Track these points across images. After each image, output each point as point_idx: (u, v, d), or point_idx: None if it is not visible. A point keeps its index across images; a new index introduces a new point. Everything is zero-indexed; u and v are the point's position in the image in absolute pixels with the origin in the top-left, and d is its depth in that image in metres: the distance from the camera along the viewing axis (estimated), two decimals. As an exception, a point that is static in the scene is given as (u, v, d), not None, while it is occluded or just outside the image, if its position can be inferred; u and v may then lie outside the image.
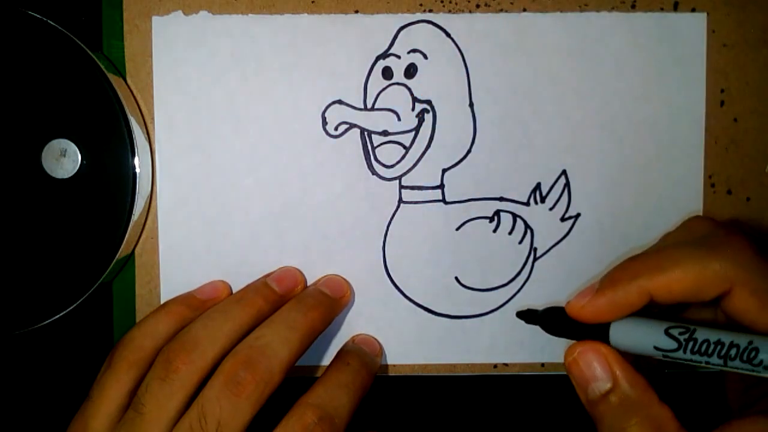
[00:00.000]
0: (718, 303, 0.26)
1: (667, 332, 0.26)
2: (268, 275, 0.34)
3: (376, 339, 0.35)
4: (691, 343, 0.26)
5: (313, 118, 0.34)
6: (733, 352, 0.25)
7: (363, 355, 0.33)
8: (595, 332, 0.28)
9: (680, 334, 0.26)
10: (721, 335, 0.25)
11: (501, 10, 0.34)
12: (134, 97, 0.34)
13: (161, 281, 0.34)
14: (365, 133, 0.34)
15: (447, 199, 0.34)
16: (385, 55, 0.34)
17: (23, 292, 0.33)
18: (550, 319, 0.29)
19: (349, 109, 0.34)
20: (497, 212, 0.35)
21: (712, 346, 0.25)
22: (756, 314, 0.25)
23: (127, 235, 0.33)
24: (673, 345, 0.26)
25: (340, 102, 0.34)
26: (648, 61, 0.34)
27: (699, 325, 0.26)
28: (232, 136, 0.34)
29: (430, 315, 0.35)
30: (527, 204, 0.35)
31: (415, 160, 0.34)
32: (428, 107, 0.34)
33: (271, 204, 0.34)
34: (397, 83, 0.34)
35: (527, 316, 0.30)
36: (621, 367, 0.27)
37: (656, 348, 0.26)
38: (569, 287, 0.35)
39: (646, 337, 0.26)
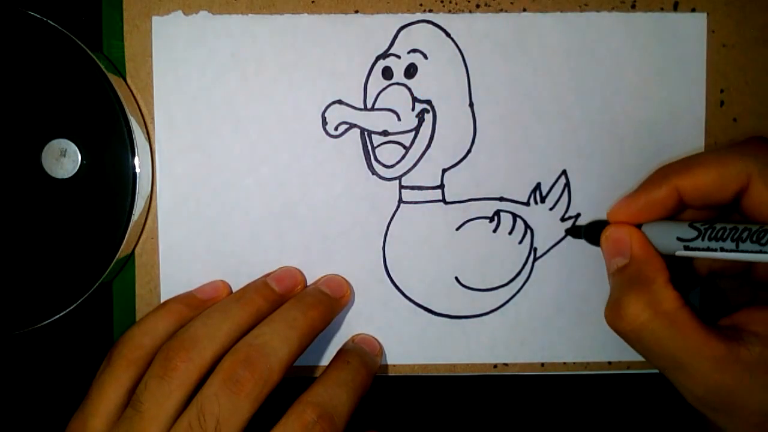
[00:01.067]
0: (740, 206, 0.29)
1: (691, 225, 0.29)
2: (268, 275, 0.34)
3: (375, 339, 0.35)
4: (709, 231, 0.28)
5: (313, 118, 0.34)
6: (744, 234, 0.27)
7: (363, 354, 0.33)
8: None
9: (701, 224, 0.29)
10: (737, 224, 0.27)
11: (501, 10, 0.34)
12: (134, 97, 0.34)
13: (161, 281, 0.34)
14: (365, 133, 0.34)
15: (447, 199, 0.34)
16: (385, 55, 0.34)
17: (23, 292, 0.33)
18: (594, 231, 0.32)
19: (349, 109, 0.34)
20: (497, 212, 0.35)
21: (727, 231, 0.27)
22: None
23: (127, 235, 0.33)
24: (694, 234, 0.28)
25: (340, 102, 0.34)
26: (648, 61, 0.34)
27: (725, 221, 0.28)
28: (232, 136, 0.34)
29: (430, 315, 0.35)
30: (527, 204, 0.35)
31: (415, 160, 0.34)
32: (428, 107, 0.34)
33: (271, 204, 0.34)
34: (397, 83, 0.34)
35: (573, 231, 0.34)
36: (640, 246, 0.30)
37: (679, 239, 0.29)
38: (569, 287, 0.35)
39: (671, 230, 0.29)
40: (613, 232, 0.31)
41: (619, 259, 0.30)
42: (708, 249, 0.28)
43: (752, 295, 0.32)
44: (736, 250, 0.27)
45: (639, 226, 0.30)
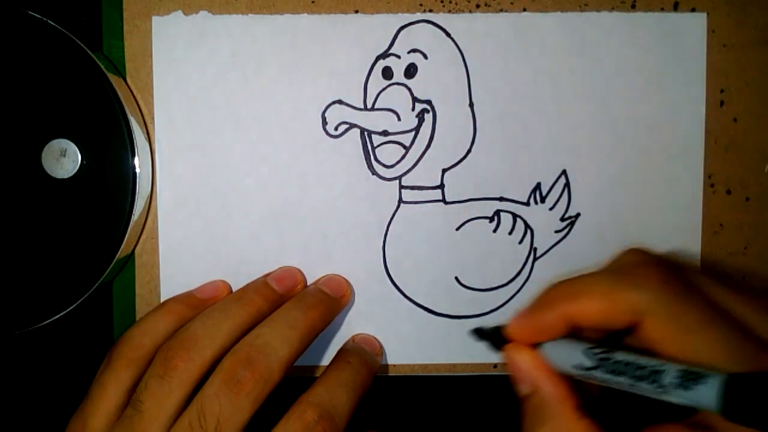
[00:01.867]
0: (636, 334, 0.27)
1: (587, 351, 0.27)
2: (268, 275, 0.34)
3: (376, 338, 0.35)
4: (607, 363, 0.26)
5: (313, 118, 0.34)
6: (641, 373, 0.25)
7: (363, 354, 0.33)
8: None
9: (599, 354, 0.27)
10: (635, 358, 0.26)
11: (501, 10, 0.34)
12: (134, 97, 0.34)
13: (161, 281, 0.34)
14: (365, 133, 0.34)
15: (447, 199, 0.34)
16: (385, 55, 0.34)
17: (23, 292, 0.33)
18: (497, 340, 0.30)
19: (349, 109, 0.34)
20: (497, 212, 0.35)
21: (624, 367, 0.26)
22: (666, 343, 0.25)
23: (127, 235, 0.33)
24: (590, 363, 0.27)
25: (340, 102, 0.34)
26: (648, 61, 0.34)
27: (623, 350, 0.27)
28: (232, 136, 0.34)
29: (430, 315, 0.35)
30: (527, 204, 0.35)
31: (415, 160, 0.34)
32: (428, 107, 0.34)
33: (271, 204, 0.34)
34: (397, 83, 0.34)
35: (478, 334, 0.31)
36: (540, 374, 0.28)
37: (576, 366, 0.27)
38: (569, 287, 0.35)
39: (568, 355, 0.27)
40: (512, 357, 0.29)
41: (523, 386, 0.29)
42: (604, 381, 0.27)
43: None
44: (633, 388, 0.26)
45: (540, 343, 0.29)
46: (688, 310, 0.25)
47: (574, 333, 0.28)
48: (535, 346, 0.29)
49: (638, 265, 0.27)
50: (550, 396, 0.28)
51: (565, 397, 0.28)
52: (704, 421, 0.25)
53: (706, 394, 0.23)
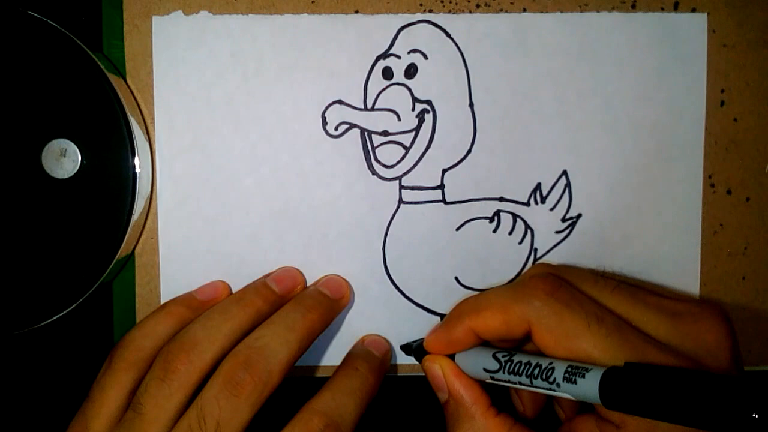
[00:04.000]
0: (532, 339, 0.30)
1: (494, 356, 0.30)
2: (267, 275, 0.34)
3: (386, 339, 0.35)
4: (509, 364, 0.29)
5: (313, 118, 0.34)
6: (536, 371, 0.28)
7: (372, 361, 0.33)
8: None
9: (503, 357, 0.30)
10: (531, 358, 0.29)
11: (501, 10, 0.34)
12: (134, 97, 0.34)
13: (161, 281, 0.34)
14: (365, 133, 0.34)
15: (447, 200, 0.34)
16: (385, 55, 0.34)
17: (23, 292, 0.33)
18: (420, 351, 0.33)
19: (350, 109, 0.34)
20: (497, 212, 0.35)
21: (523, 367, 0.29)
22: (553, 349, 0.28)
23: (127, 235, 0.33)
24: (496, 366, 0.30)
25: (340, 102, 0.34)
26: (648, 61, 0.34)
27: (522, 353, 0.30)
28: (232, 136, 0.34)
29: (430, 315, 0.35)
30: (527, 204, 0.35)
31: (416, 160, 0.34)
32: (428, 107, 0.34)
33: (271, 204, 0.34)
34: (398, 83, 0.34)
35: (404, 349, 0.35)
36: (453, 380, 0.31)
37: (484, 369, 0.30)
38: (569, 287, 0.35)
39: (477, 360, 0.31)
40: (428, 367, 0.32)
41: (440, 394, 0.32)
42: (509, 381, 0.29)
43: None
44: (531, 386, 0.29)
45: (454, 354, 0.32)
46: (569, 317, 0.28)
47: (486, 342, 0.31)
48: (452, 356, 0.32)
49: (532, 279, 0.30)
50: (464, 399, 0.31)
51: (477, 399, 0.31)
52: (603, 415, 0.28)
53: (589, 388, 0.26)
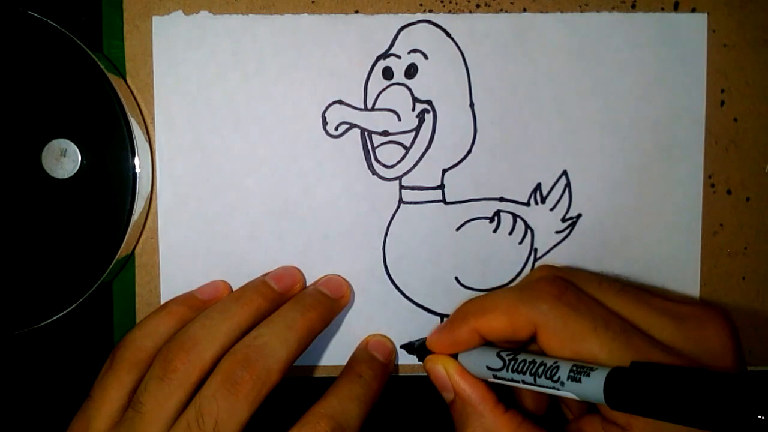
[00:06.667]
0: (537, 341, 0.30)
1: (497, 354, 0.30)
2: (266, 274, 0.34)
3: (390, 340, 0.35)
4: (512, 363, 0.29)
5: (313, 118, 0.34)
6: (540, 370, 0.28)
7: (376, 367, 0.33)
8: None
9: (507, 355, 0.30)
10: (536, 357, 0.29)
11: (501, 10, 0.34)
12: (134, 97, 0.34)
13: (161, 281, 0.34)
14: (365, 133, 0.34)
15: (447, 200, 0.34)
16: (385, 55, 0.34)
17: (23, 292, 0.33)
18: (423, 351, 0.33)
19: (350, 109, 0.34)
20: (497, 212, 0.35)
21: (527, 365, 0.29)
22: (558, 351, 0.28)
23: (127, 235, 0.33)
24: (499, 364, 0.30)
25: (340, 102, 0.34)
26: (648, 61, 0.34)
27: (527, 352, 0.30)
28: (232, 136, 0.34)
29: (430, 315, 0.35)
30: (528, 204, 0.35)
31: (416, 160, 0.34)
32: (428, 107, 0.34)
33: (271, 204, 0.34)
34: (398, 83, 0.34)
35: (406, 348, 0.34)
36: (458, 379, 0.31)
37: (488, 368, 0.30)
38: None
39: (480, 358, 0.31)
40: (431, 367, 0.32)
41: (445, 393, 0.32)
42: (512, 380, 0.29)
43: None
44: (534, 384, 0.28)
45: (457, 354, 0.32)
46: (575, 320, 0.28)
47: (489, 342, 0.31)
48: (455, 356, 0.32)
49: (538, 281, 0.30)
50: (471, 397, 0.30)
51: (484, 397, 0.30)
52: (608, 417, 0.28)
53: (593, 387, 0.26)
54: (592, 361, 0.28)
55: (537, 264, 0.35)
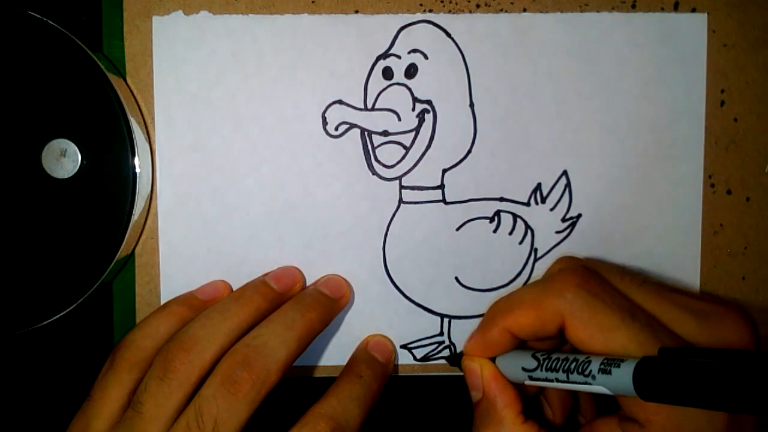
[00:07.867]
0: (566, 337, 0.29)
1: (533, 355, 0.30)
2: (266, 274, 0.34)
3: (390, 340, 0.35)
4: (546, 362, 0.29)
5: (313, 118, 0.34)
6: (572, 365, 0.28)
7: (375, 368, 0.33)
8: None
9: (541, 355, 0.30)
10: (569, 355, 0.29)
11: (501, 10, 0.34)
12: (134, 97, 0.34)
13: (161, 281, 0.34)
14: (365, 133, 0.34)
15: (447, 200, 0.34)
16: (385, 55, 0.34)
17: (23, 292, 0.33)
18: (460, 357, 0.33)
19: (350, 109, 0.34)
20: (498, 212, 0.35)
21: (560, 362, 0.29)
22: (588, 343, 0.28)
23: (127, 235, 0.33)
24: (534, 364, 0.30)
25: (340, 102, 0.34)
26: (648, 61, 0.34)
27: (562, 352, 0.30)
28: (232, 135, 0.34)
29: (430, 315, 0.35)
30: (528, 204, 0.35)
31: (416, 160, 0.34)
32: (428, 107, 0.34)
33: (271, 204, 0.34)
34: (398, 83, 0.34)
35: (449, 360, 0.35)
36: (490, 380, 0.31)
37: (523, 369, 0.30)
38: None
39: (516, 360, 0.31)
40: (467, 365, 0.32)
41: (474, 393, 0.32)
42: (546, 379, 0.29)
43: None
44: (567, 381, 0.28)
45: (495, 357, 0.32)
46: (602, 310, 0.28)
47: (527, 346, 0.32)
48: (493, 360, 0.32)
49: (561, 272, 0.30)
50: (497, 401, 0.31)
51: (510, 403, 0.30)
52: (628, 414, 0.28)
53: (624, 377, 0.26)
54: (622, 352, 0.27)
55: (537, 264, 0.35)
